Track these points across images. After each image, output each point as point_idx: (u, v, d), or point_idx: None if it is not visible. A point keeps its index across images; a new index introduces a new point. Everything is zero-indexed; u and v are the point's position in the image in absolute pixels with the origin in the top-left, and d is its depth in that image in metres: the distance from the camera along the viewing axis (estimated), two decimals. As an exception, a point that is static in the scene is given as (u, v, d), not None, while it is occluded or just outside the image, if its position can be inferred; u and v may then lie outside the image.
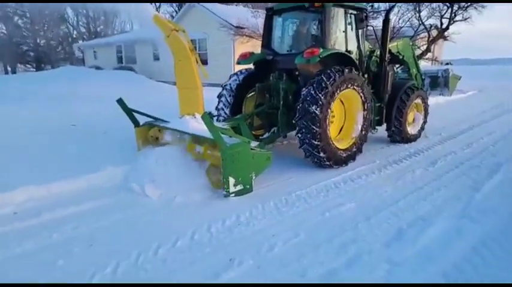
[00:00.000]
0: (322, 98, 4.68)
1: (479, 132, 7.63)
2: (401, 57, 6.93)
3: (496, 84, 19.28)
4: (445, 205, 3.84)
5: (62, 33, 34.73)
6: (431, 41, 14.76)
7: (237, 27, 14.16)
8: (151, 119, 5.14)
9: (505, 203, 3.89)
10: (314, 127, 4.71)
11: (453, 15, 14.12)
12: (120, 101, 4.93)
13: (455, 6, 13.97)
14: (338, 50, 5.29)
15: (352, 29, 5.69)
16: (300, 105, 4.82)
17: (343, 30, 5.50)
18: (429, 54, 16.45)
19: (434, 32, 15.92)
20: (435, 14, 14.90)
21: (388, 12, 6.34)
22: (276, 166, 4.70)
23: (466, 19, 14.18)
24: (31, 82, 15.91)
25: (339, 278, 2.56)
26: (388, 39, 6.01)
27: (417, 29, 16.21)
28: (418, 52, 16.11)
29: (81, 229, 3.30)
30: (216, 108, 6.02)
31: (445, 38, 16.58)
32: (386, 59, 6.07)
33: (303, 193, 4.22)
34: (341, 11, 5.45)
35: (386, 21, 6.02)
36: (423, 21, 14.73)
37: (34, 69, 35.06)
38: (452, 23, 14.31)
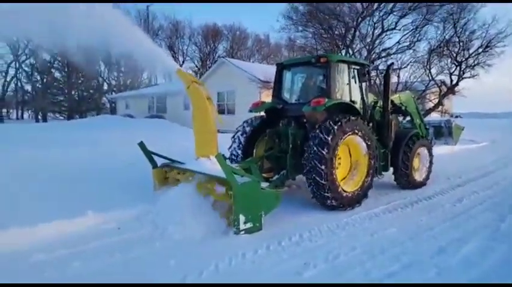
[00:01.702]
0: (329, 140, 5.03)
1: (496, 177, 8.25)
2: (403, 108, 7.36)
3: (506, 136, 20.03)
4: (476, 231, 4.47)
5: (94, 85, 37.67)
6: (443, 96, 15.90)
7: (264, 81, 15.71)
8: (168, 161, 5.58)
9: (528, 231, 4.51)
10: (321, 167, 5.01)
11: (461, 72, 15.41)
12: (141, 144, 5.43)
13: (463, 65, 15.31)
14: (342, 100, 5.76)
15: (355, 82, 6.21)
16: (309, 146, 5.17)
17: (347, 83, 6.01)
18: (440, 107, 17.48)
19: (443, 88, 17.09)
20: (444, 71, 16.24)
21: (388, 67, 6.87)
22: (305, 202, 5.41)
23: (473, 76, 15.42)
24: (73, 129, 17.34)
25: (398, 279, 3.20)
26: (390, 91, 6.50)
27: (427, 85, 17.39)
28: (430, 105, 17.26)
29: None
30: (230, 149, 6.33)
31: (454, 93, 17.74)
32: (389, 109, 6.53)
33: (350, 219, 4.93)
34: (344, 66, 6.00)
35: (387, 75, 6.56)
36: (434, 77, 16.00)
37: (62, 118, 37.65)
38: (461, 80, 15.55)
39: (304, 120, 6.01)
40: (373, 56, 14.93)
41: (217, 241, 4.05)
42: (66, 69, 34.78)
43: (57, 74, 36.15)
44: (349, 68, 6.07)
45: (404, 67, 15.76)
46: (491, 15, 18.03)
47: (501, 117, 39.13)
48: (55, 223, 4.14)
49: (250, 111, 6.52)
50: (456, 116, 22.46)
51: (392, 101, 6.85)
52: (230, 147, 6.36)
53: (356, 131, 5.43)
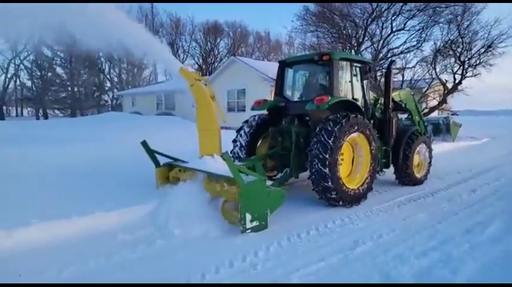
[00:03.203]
0: (331, 143, 5.05)
1: (503, 170, 8.85)
2: (403, 105, 7.43)
3: (505, 132, 20.77)
4: (495, 215, 5.03)
5: (97, 83, 37.84)
6: (447, 94, 16.54)
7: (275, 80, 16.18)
8: (170, 160, 5.60)
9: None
10: (324, 170, 5.05)
11: (464, 71, 16.06)
12: (144, 143, 5.47)
13: (466, 64, 15.96)
14: (345, 98, 5.78)
15: (357, 80, 6.25)
16: (311, 150, 5.19)
17: (349, 80, 6.03)
18: (443, 105, 18.12)
19: (447, 86, 17.70)
20: (447, 70, 16.88)
21: (389, 65, 6.92)
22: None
23: (475, 75, 16.08)
24: (80, 126, 17.45)
25: (438, 252, 3.75)
26: (391, 88, 6.57)
27: (431, 83, 18.00)
28: (433, 103, 17.90)
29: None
30: (232, 151, 6.35)
31: (456, 91, 18.37)
32: (390, 106, 6.60)
33: (382, 207, 5.51)
34: (347, 64, 6.01)
35: (388, 73, 6.63)
36: (438, 75, 16.63)
37: (62, 115, 37.83)
38: (464, 79, 16.20)
39: (307, 118, 6.07)
40: (381, 56, 15.49)
41: (232, 239, 4.10)
42: (68, 66, 34.91)
43: (59, 71, 36.26)
44: (351, 65, 6.09)
45: (413, 67, 16.34)
46: (493, 17, 18.60)
47: (498, 114, 40.09)
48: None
49: (253, 109, 6.49)
50: (453, 114, 23.16)
51: (392, 99, 6.92)
52: (233, 146, 6.37)
53: (358, 129, 5.45)
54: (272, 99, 6.67)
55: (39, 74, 37.24)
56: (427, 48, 17.08)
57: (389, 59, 7.22)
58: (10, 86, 40.64)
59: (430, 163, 7.51)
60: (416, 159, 7.17)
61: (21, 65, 38.59)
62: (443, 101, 16.51)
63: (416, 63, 16.31)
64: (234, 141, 6.40)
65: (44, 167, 6.57)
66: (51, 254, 3.60)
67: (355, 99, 6.02)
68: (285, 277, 3.18)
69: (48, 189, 5.73)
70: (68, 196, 5.29)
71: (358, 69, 6.26)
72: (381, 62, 15.21)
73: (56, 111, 39.74)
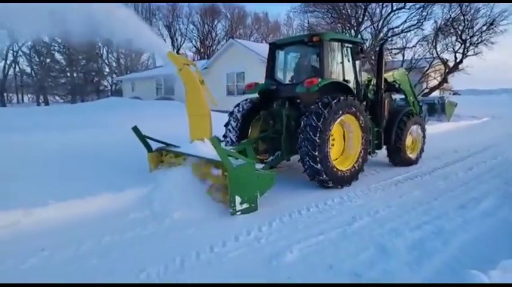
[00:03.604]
0: (320, 125, 5.05)
1: (501, 148, 8.99)
2: (397, 85, 7.38)
3: (506, 111, 20.77)
4: (489, 192, 5.22)
5: (96, 68, 37.64)
6: (447, 73, 16.50)
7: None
8: (163, 145, 5.62)
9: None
10: (315, 153, 5.08)
11: (465, 50, 15.97)
12: (135, 129, 5.44)
13: (468, 43, 15.86)
14: (335, 80, 5.72)
15: (349, 61, 6.18)
16: (301, 133, 5.20)
17: (340, 61, 5.97)
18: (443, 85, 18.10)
19: (448, 65, 17.62)
20: (449, 49, 16.79)
21: (381, 46, 6.92)
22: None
23: (477, 54, 16.00)
24: (81, 113, 17.50)
25: (431, 225, 3.94)
26: (383, 69, 6.51)
27: (431, 62, 17.92)
28: (434, 83, 17.88)
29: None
30: (224, 135, 6.37)
31: (456, 70, 18.33)
32: (383, 87, 6.55)
33: (379, 185, 5.69)
34: (337, 44, 5.94)
35: (380, 53, 6.58)
36: (439, 54, 16.56)
37: (62, 101, 37.88)
38: (465, 57, 16.14)
39: (298, 101, 6.05)
40: (381, 35, 15.37)
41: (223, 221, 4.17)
42: (67, 52, 34.65)
43: (58, 56, 36.02)
44: (342, 46, 6.02)
45: (413, 46, 16.25)
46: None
47: (499, 93, 39.86)
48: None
49: (244, 93, 6.52)
50: (454, 93, 23.12)
51: (385, 79, 6.86)
52: (225, 130, 6.39)
53: (348, 111, 5.44)
54: (254, 82, 6.65)
55: (38, 60, 37.05)
56: (428, 27, 16.86)
57: (383, 41, 6.88)
58: (10, 72, 40.42)
59: (423, 143, 7.52)
60: (409, 139, 7.18)
61: (19, 52, 38.30)
62: (444, 80, 16.52)
63: (417, 43, 16.24)
64: (226, 125, 6.43)
65: (47, 153, 6.68)
66: (69, 232, 3.82)
67: (347, 81, 5.98)
68: (287, 248, 3.38)
69: (54, 173, 5.88)
70: (74, 178, 5.44)
71: (349, 50, 6.19)
72: (381, 42, 15.08)
73: (57, 98, 39.81)
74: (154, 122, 9.04)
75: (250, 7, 75.35)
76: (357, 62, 6.33)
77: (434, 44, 16.19)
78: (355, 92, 6.07)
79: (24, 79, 41.64)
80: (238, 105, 6.44)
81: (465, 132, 12.13)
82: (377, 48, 14.64)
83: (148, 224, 4.06)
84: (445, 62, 16.71)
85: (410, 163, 7.14)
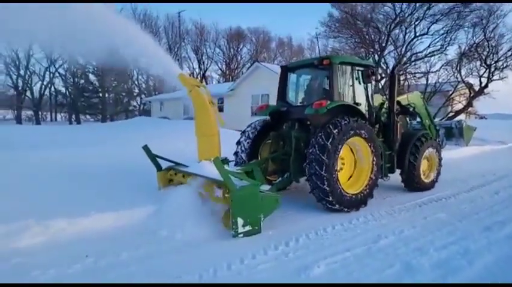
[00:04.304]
0: (329, 145, 5.06)
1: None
2: (411, 109, 7.34)
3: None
4: (514, 216, 5.26)
5: (126, 88, 39.61)
6: (473, 97, 16.38)
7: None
8: (172, 164, 5.71)
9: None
10: (322, 173, 5.06)
11: (491, 75, 15.88)
12: (146, 148, 5.54)
13: (492, 68, 15.79)
14: (345, 102, 5.74)
15: (360, 83, 6.20)
16: (309, 152, 5.22)
17: (351, 84, 6.02)
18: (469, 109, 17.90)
19: (470, 89, 17.48)
20: (473, 74, 16.74)
21: (393, 69, 7.48)
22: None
23: (502, 79, 15.85)
24: (113, 130, 18.50)
25: (457, 245, 4.04)
26: (395, 91, 6.48)
27: (456, 86, 17.86)
28: (459, 107, 17.72)
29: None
30: (235, 153, 6.44)
31: (482, 94, 18.11)
32: (395, 110, 6.51)
33: (403, 207, 5.81)
34: (348, 67, 5.99)
35: (392, 76, 6.57)
36: (463, 78, 16.53)
37: (93, 120, 39.79)
38: (491, 82, 16.02)
39: (308, 122, 6.08)
40: (404, 59, 15.59)
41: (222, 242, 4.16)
42: (100, 73, 36.73)
43: (91, 78, 38.22)
44: (352, 69, 6.07)
45: (437, 71, 16.35)
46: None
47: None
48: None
49: (255, 114, 6.81)
50: (481, 117, 22.64)
51: (399, 102, 6.85)
52: (235, 151, 6.46)
53: (358, 133, 5.43)
54: (265, 103, 6.81)
55: (72, 81, 39.44)
56: (452, 52, 16.93)
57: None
58: (46, 93, 43.10)
59: (439, 167, 7.33)
60: (424, 164, 7.03)
61: (56, 73, 40.93)
62: (469, 104, 16.36)
63: (441, 67, 16.28)
64: (238, 143, 6.53)
65: (70, 168, 6.79)
66: (107, 241, 4.13)
67: (357, 104, 6.00)
68: (314, 263, 3.59)
69: (91, 187, 6.24)
70: (102, 193, 5.62)
71: (360, 72, 6.21)
72: (404, 66, 15.30)
73: (87, 116, 41.88)
74: (175, 140, 9.46)
75: (275, 31, 77.71)
76: (369, 85, 6.38)
77: (458, 68, 16.21)
78: (366, 115, 6.13)
79: (59, 99, 44.17)
80: (251, 125, 6.60)
81: (491, 157, 11.93)
82: (402, 72, 14.87)
83: (175, 237, 4.30)
84: (469, 87, 16.62)
85: (425, 187, 6.95)
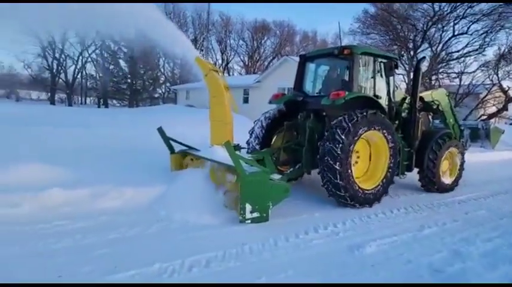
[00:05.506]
0: (344, 138, 4.85)
1: None
2: (435, 106, 6.98)
3: None
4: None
5: (154, 75, 40.51)
6: (508, 101, 15.98)
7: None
8: (185, 148, 5.79)
9: None
10: (335, 166, 4.86)
11: (529, 78, 15.43)
12: (160, 130, 5.60)
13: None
14: (364, 94, 5.52)
15: (381, 76, 5.96)
16: (323, 144, 5.02)
17: (372, 76, 5.77)
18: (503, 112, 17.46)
19: (506, 92, 17.02)
20: (510, 76, 16.29)
21: (418, 62, 6.45)
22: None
23: (542, 83, 15.37)
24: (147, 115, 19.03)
25: (502, 239, 4.17)
26: (419, 86, 6.23)
27: (490, 89, 17.43)
28: (492, 110, 17.30)
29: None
30: (247, 142, 6.35)
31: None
32: (417, 106, 6.28)
33: (442, 202, 5.93)
34: (370, 58, 5.76)
35: (416, 70, 6.25)
36: (500, 81, 16.13)
37: (119, 105, 40.92)
38: (529, 86, 15.57)
39: (324, 113, 5.89)
40: (438, 59, 15.35)
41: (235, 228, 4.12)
42: (128, 59, 37.65)
43: (122, 64, 39.25)
44: (374, 61, 5.82)
45: (473, 72, 16.01)
46: None
47: None
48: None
49: (270, 102, 6.39)
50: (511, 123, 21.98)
51: (422, 98, 6.60)
52: (249, 136, 6.36)
53: (375, 127, 5.19)
54: (281, 92, 6.67)
55: (104, 66, 40.60)
56: (490, 53, 16.50)
57: (420, 57, 6.25)
58: (78, 76, 44.56)
59: (461, 169, 6.97)
60: (445, 164, 6.72)
61: (88, 58, 42.20)
62: (504, 108, 15.95)
63: (478, 68, 15.91)
64: (251, 131, 6.42)
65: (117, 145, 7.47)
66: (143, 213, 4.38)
67: (377, 97, 5.74)
68: (366, 244, 3.80)
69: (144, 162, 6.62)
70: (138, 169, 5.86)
71: (382, 65, 5.98)
72: (439, 66, 15.08)
73: (114, 101, 43.09)
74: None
75: (300, 25, 76.88)
76: (391, 78, 6.11)
77: (496, 70, 15.79)
78: (386, 109, 5.90)
79: (90, 83, 45.58)
80: (264, 113, 6.42)
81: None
82: (435, 72, 14.66)
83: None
84: (505, 91, 16.18)
85: (444, 189, 6.63)
